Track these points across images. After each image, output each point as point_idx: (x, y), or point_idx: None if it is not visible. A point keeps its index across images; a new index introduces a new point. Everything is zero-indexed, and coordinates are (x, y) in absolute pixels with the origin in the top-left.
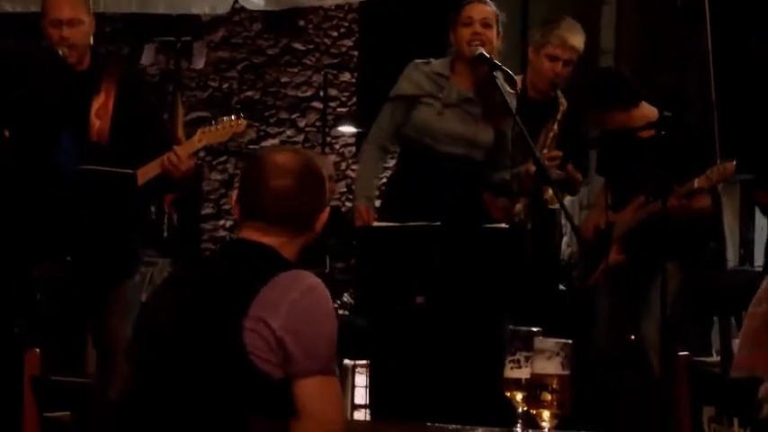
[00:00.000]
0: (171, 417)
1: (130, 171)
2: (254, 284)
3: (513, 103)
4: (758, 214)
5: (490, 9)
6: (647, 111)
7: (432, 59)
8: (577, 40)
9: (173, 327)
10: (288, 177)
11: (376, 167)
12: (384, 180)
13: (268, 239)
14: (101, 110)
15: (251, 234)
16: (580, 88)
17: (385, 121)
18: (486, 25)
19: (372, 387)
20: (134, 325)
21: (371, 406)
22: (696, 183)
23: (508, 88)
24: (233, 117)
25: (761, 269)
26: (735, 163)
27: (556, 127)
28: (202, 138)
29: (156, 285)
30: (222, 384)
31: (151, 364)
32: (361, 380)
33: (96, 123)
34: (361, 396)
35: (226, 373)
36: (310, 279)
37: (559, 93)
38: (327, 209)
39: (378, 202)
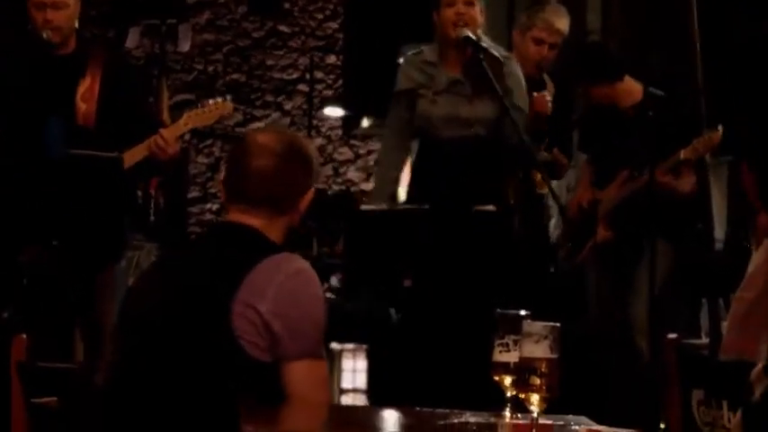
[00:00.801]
0: (158, 402)
1: (117, 154)
2: (241, 268)
3: (500, 82)
4: None
5: None
6: (632, 86)
7: (423, 47)
8: (563, 23)
9: (160, 311)
10: (269, 157)
11: (390, 166)
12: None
13: (253, 221)
14: (87, 93)
15: (236, 216)
16: (567, 62)
17: (392, 119)
18: (469, 3)
19: (370, 372)
20: (120, 309)
21: (370, 391)
22: (682, 154)
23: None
24: (219, 100)
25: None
26: (721, 131)
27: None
28: (188, 121)
29: (144, 269)
30: (212, 369)
31: (138, 349)
32: (348, 364)
33: (82, 107)
34: (348, 380)
35: (215, 357)
36: (297, 262)
37: (546, 76)
38: (312, 189)
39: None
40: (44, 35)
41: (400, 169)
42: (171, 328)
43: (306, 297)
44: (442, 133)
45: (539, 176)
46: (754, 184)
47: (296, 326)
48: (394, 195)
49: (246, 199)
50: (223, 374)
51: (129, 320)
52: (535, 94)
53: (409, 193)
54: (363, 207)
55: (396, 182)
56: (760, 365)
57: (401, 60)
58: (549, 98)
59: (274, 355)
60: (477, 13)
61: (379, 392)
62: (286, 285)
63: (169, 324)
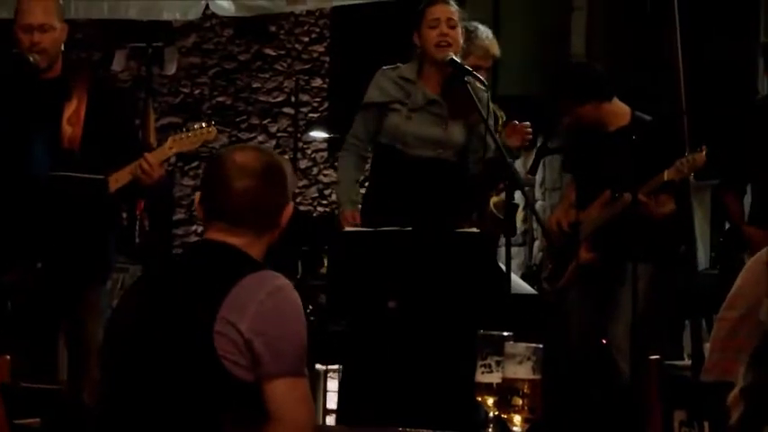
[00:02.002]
0: (143, 421)
1: (101, 177)
2: (222, 287)
3: (484, 108)
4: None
5: (454, 8)
6: (618, 108)
7: (400, 64)
8: (496, 47)
9: (143, 330)
10: (250, 178)
11: (355, 173)
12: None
13: (234, 240)
14: (73, 117)
15: (217, 235)
16: (555, 81)
17: (358, 130)
18: (452, 26)
19: (343, 392)
20: (105, 329)
21: (340, 411)
22: (666, 175)
23: (482, 91)
24: (203, 124)
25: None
26: (704, 153)
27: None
28: (173, 145)
29: (126, 288)
30: (195, 388)
31: (122, 369)
32: (333, 384)
33: (68, 130)
34: (333, 401)
35: (198, 376)
36: (278, 280)
37: (492, 105)
38: (291, 204)
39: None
40: (30, 58)
41: (360, 177)
42: (154, 348)
43: (287, 315)
44: (411, 151)
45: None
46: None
47: (277, 344)
48: (358, 201)
49: (228, 219)
50: (206, 394)
51: (113, 340)
52: (515, 122)
53: (366, 205)
54: (347, 228)
55: (358, 188)
56: (737, 389)
57: (377, 73)
58: (529, 129)
59: (256, 373)
60: (459, 35)
61: (357, 413)
62: (267, 303)
63: (152, 344)
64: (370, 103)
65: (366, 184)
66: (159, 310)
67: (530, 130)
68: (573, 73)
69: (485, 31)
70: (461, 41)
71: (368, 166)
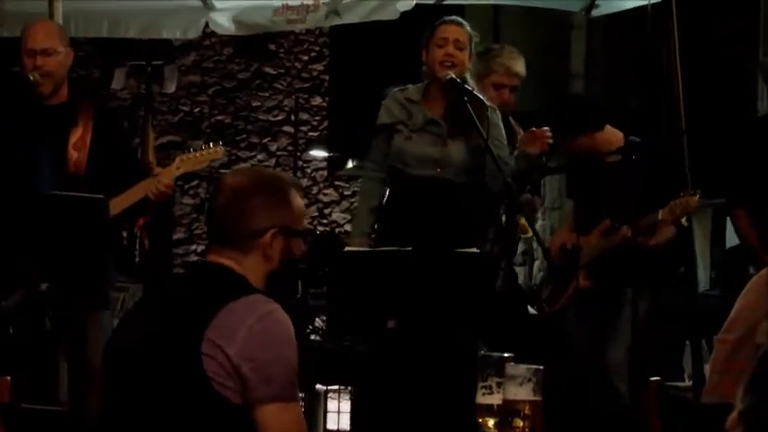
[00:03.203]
0: None
1: (100, 196)
2: (210, 308)
3: (484, 127)
4: (729, 237)
5: (464, 30)
6: (612, 135)
7: (409, 85)
8: (520, 65)
9: (137, 352)
10: (225, 196)
11: (371, 201)
12: None
13: (225, 260)
14: (78, 142)
15: (211, 255)
16: (546, 116)
17: (374, 153)
18: (459, 47)
19: (354, 412)
20: (105, 348)
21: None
22: (660, 214)
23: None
24: (211, 144)
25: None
26: (698, 197)
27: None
28: (180, 165)
29: (127, 308)
30: (185, 410)
31: (118, 389)
32: (333, 405)
33: (74, 155)
34: (333, 421)
35: (188, 398)
36: (268, 304)
37: (512, 120)
38: (278, 228)
39: None
40: (30, 77)
41: (379, 204)
42: (147, 369)
43: (276, 340)
44: (412, 171)
45: (522, 220)
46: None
47: (266, 369)
48: (372, 233)
49: (215, 238)
50: (197, 415)
51: (110, 361)
52: (534, 129)
53: (380, 228)
54: (348, 248)
55: (374, 218)
56: (735, 412)
57: (387, 95)
58: (549, 134)
59: (245, 398)
60: (466, 57)
61: None
62: (256, 328)
63: (145, 366)
64: (380, 125)
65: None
66: (152, 331)
67: (549, 134)
68: (562, 107)
69: (509, 50)
70: (468, 64)
71: None
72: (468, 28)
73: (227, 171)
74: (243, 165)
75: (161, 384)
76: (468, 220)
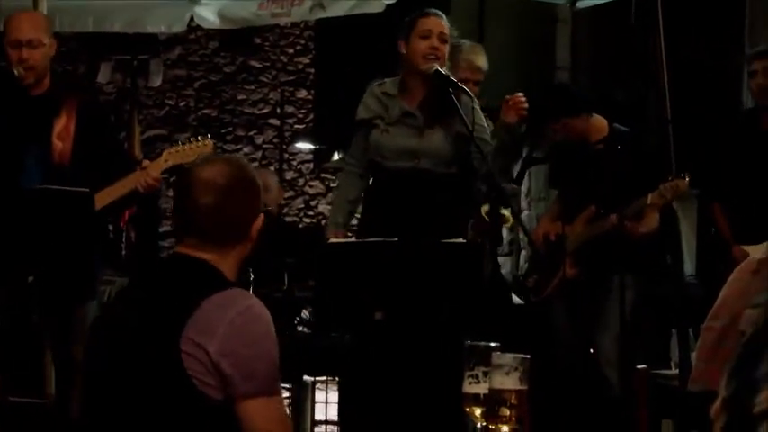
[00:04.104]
0: None
1: (86, 190)
2: (188, 306)
3: (469, 118)
4: None
5: (445, 23)
6: (600, 122)
7: (386, 80)
8: (482, 60)
9: (119, 349)
10: (215, 194)
11: (348, 194)
12: None
13: (204, 254)
14: (62, 132)
15: (187, 249)
16: (536, 102)
17: (353, 148)
18: (443, 40)
19: (342, 403)
20: (86, 345)
21: (340, 423)
22: (649, 199)
23: (469, 102)
24: (199, 138)
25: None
26: (688, 180)
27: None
28: (169, 158)
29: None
30: (166, 408)
31: (100, 387)
32: (321, 396)
33: (59, 146)
34: (321, 412)
35: (169, 396)
36: (246, 299)
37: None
38: (261, 216)
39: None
40: (15, 72)
41: (358, 197)
42: (128, 369)
43: (255, 334)
44: (389, 163)
45: (506, 211)
46: (726, 219)
47: (247, 365)
48: (347, 223)
49: (196, 234)
50: (179, 415)
51: (92, 359)
52: (508, 96)
53: (361, 221)
54: (333, 240)
55: (351, 210)
56: (719, 400)
57: (366, 90)
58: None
59: (226, 393)
60: (447, 50)
61: (351, 424)
62: (236, 324)
63: (126, 365)
64: (359, 120)
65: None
66: (132, 329)
67: (524, 100)
68: (550, 93)
69: (470, 45)
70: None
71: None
72: (447, 22)
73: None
74: None
75: (142, 383)
76: (449, 210)
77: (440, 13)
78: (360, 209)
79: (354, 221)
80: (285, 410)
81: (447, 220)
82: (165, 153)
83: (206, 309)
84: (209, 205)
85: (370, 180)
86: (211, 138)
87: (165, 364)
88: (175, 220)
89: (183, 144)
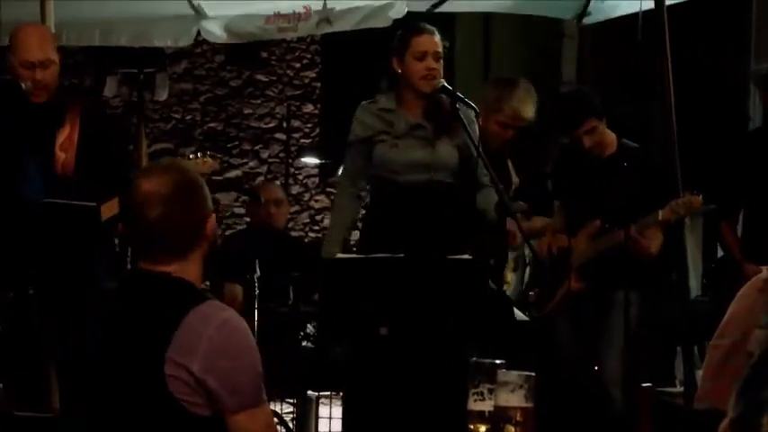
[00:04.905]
0: None
1: (93, 204)
2: (167, 327)
3: (475, 134)
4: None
5: (437, 39)
6: (610, 135)
7: (378, 97)
8: (529, 110)
9: (102, 374)
10: (160, 205)
11: (345, 214)
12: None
13: (166, 267)
14: (66, 142)
15: (148, 264)
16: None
17: (348, 168)
18: (438, 59)
19: (345, 418)
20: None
21: None
22: (660, 215)
23: (472, 116)
24: (199, 155)
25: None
26: (701, 197)
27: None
28: None
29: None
30: (158, 428)
31: (84, 409)
32: (324, 411)
33: (61, 156)
34: (325, 427)
35: (158, 418)
36: (222, 313)
37: (509, 163)
38: (212, 215)
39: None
40: (23, 85)
41: (355, 217)
42: (113, 393)
43: (237, 348)
44: (401, 178)
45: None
46: (734, 237)
47: (231, 379)
48: (347, 241)
49: (153, 248)
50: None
51: (74, 381)
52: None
53: (364, 238)
54: (338, 255)
55: (349, 229)
56: (727, 420)
57: (357, 109)
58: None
59: (214, 409)
60: (442, 66)
61: None
62: (215, 340)
63: (110, 390)
64: (355, 139)
65: (362, 219)
66: (112, 354)
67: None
68: (570, 99)
69: (524, 92)
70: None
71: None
72: (438, 34)
73: (220, 178)
74: (235, 172)
75: (129, 408)
76: (457, 223)
77: (432, 29)
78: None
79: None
80: (271, 417)
81: (456, 233)
82: None
83: (184, 328)
84: (158, 217)
85: (375, 195)
86: (217, 152)
87: (152, 390)
88: (130, 237)
89: (187, 159)
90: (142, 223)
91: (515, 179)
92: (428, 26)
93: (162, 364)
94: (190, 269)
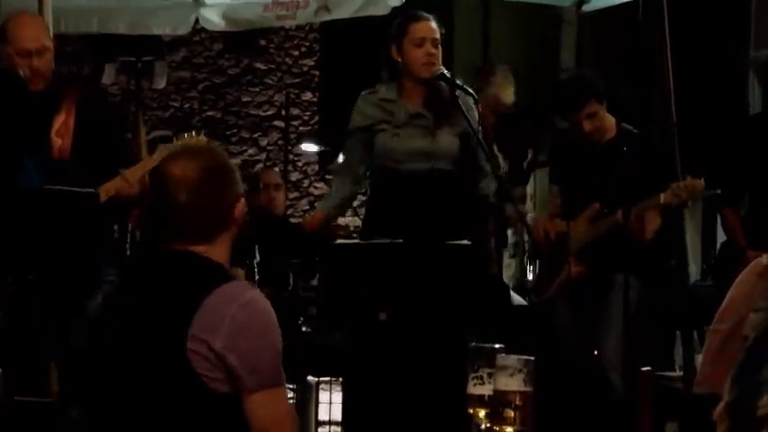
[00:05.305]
0: None
1: (92, 190)
2: (191, 303)
3: (475, 121)
4: (720, 230)
5: (436, 26)
6: (610, 120)
7: (378, 87)
8: (509, 94)
9: (123, 351)
10: (189, 190)
11: (340, 191)
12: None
13: (196, 247)
14: (62, 128)
15: (175, 245)
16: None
17: (348, 154)
18: (436, 45)
19: (346, 404)
20: (87, 345)
21: (344, 423)
22: (662, 198)
23: (471, 103)
24: (193, 133)
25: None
26: (703, 181)
27: None
28: (161, 156)
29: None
30: (175, 404)
31: (104, 388)
32: (324, 396)
33: (58, 142)
34: (325, 412)
35: (177, 392)
36: (247, 292)
37: (495, 149)
38: (242, 199)
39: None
40: (21, 73)
41: (351, 197)
42: (133, 369)
43: (260, 328)
44: (403, 166)
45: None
46: (739, 223)
47: (252, 358)
48: (333, 215)
49: (181, 232)
50: (187, 409)
51: (94, 360)
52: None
53: (366, 227)
54: (338, 241)
55: (341, 204)
56: (722, 404)
57: (358, 99)
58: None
59: (233, 386)
60: (440, 52)
61: (355, 425)
62: (239, 318)
63: (131, 366)
64: (355, 128)
65: (365, 207)
66: (135, 330)
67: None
68: (586, 75)
69: (501, 78)
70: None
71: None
72: (435, 20)
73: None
74: (234, 160)
75: (149, 383)
76: (459, 210)
77: (429, 15)
78: (353, 210)
79: (358, 221)
80: (288, 401)
81: (456, 220)
82: (157, 150)
83: (209, 306)
84: (186, 202)
85: (376, 184)
86: (216, 140)
87: (173, 364)
88: (156, 221)
89: (177, 141)
90: (170, 207)
91: (502, 164)
92: (425, 13)
93: (184, 340)
94: (217, 251)
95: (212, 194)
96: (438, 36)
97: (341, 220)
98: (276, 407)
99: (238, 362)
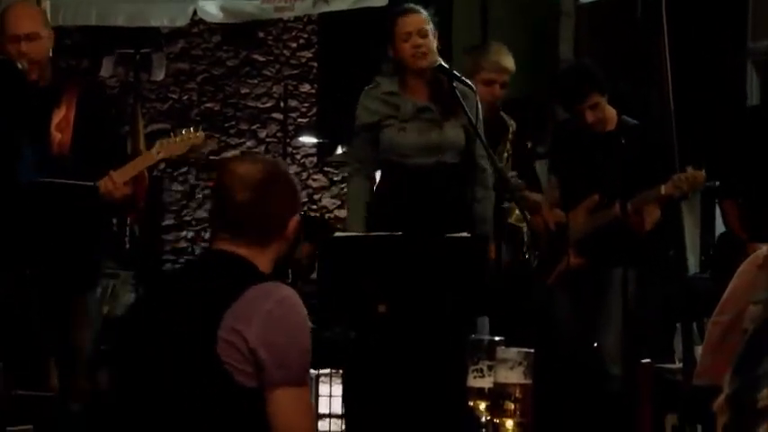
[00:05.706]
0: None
1: (91, 183)
2: (228, 295)
3: (472, 110)
4: (718, 222)
5: (422, 17)
6: (610, 111)
7: (378, 80)
8: (509, 61)
9: (155, 341)
10: (250, 189)
11: (363, 197)
12: None
13: (240, 250)
14: (62, 123)
15: (223, 244)
16: (553, 88)
17: (357, 153)
18: (424, 35)
19: (346, 396)
20: (123, 336)
21: (344, 416)
22: (663, 189)
23: (468, 92)
24: (191, 129)
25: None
26: (704, 172)
27: (508, 147)
28: (161, 150)
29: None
30: (200, 395)
31: (134, 377)
32: (324, 389)
33: (57, 137)
34: (325, 405)
35: (203, 383)
36: (283, 290)
37: (504, 114)
38: (297, 216)
39: None
40: (19, 65)
41: (369, 197)
42: (167, 358)
43: (292, 325)
44: (410, 161)
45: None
46: (739, 216)
47: (282, 354)
48: (367, 219)
49: (231, 230)
50: (210, 401)
51: (130, 348)
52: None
53: (374, 221)
54: (337, 234)
55: (366, 213)
56: (723, 396)
57: (361, 95)
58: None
59: (260, 381)
60: (432, 40)
61: (355, 417)
62: (273, 313)
63: (165, 354)
64: (362, 126)
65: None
66: (169, 321)
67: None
68: (588, 66)
69: (497, 46)
70: (435, 46)
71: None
72: (423, 11)
73: (217, 158)
74: (232, 152)
75: (177, 373)
76: (462, 202)
77: (416, 7)
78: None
79: None
80: (311, 402)
81: (461, 213)
82: (156, 145)
83: (244, 299)
84: (245, 200)
85: (384, 179)
86: (214, 132)
87: (203, 353)
88: (212, 216)
89: (175, 136)
90: (228, 205)
91: (512, 123)
92: (412, 6)
93: (216, 329)
94: (261, 259)
95: (271, 198)
96: (426, 26)
97: (340, 213)
98: (298, 405)
99: (268, 355)
